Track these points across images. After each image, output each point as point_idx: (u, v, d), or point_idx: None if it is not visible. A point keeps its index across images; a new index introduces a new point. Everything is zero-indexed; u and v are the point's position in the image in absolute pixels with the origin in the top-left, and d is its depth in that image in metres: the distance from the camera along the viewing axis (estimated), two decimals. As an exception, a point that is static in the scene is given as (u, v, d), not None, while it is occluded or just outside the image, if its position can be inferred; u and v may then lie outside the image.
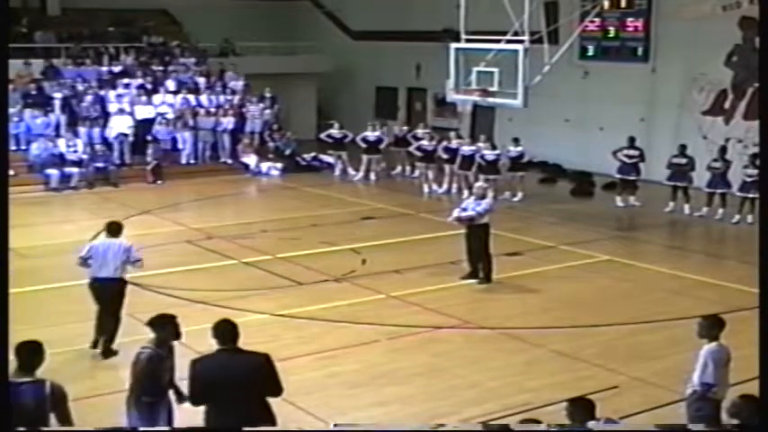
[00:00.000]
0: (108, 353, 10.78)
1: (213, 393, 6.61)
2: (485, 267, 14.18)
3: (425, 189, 22.35)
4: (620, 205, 20.66)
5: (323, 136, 25.12)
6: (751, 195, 18.37)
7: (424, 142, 23.06)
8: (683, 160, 19.75)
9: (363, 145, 24.01)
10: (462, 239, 14.43)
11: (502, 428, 6.91)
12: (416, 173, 23.66)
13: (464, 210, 14.16)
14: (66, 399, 6.38)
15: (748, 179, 18.47)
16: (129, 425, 7.28)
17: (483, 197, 14.45)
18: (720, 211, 19.00)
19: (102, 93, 24.81)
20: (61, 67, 25.80)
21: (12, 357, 6.47)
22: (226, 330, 6.73)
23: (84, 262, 10.78)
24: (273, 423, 6.77)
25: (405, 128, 25.63)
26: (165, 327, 7.30)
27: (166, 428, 7.19)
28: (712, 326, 7.86)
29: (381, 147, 24.17)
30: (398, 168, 24.72)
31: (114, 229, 10.98)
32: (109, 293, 10.71)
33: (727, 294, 13.56)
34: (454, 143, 22.28)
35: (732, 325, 11.95)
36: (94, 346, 10.93)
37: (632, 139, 20.83)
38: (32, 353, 6.39)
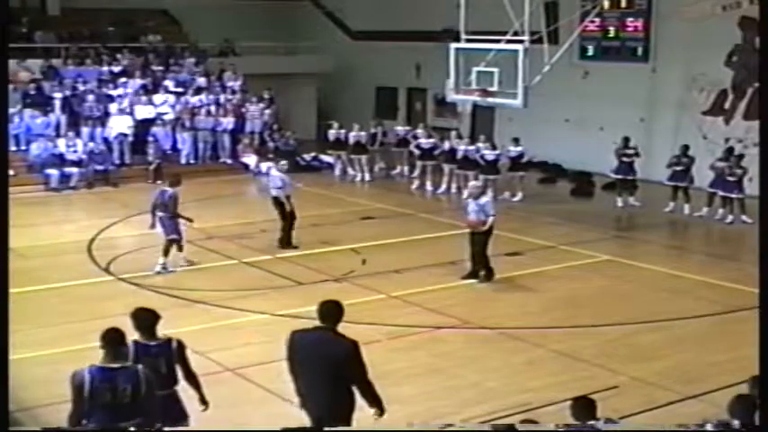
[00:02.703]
0: (283, 243, 16.07)
1: (302, 368, 6.98)
2: (485, 267, 14.17)
3: (427, 188, 22.35)
4: (620, 205, 20.65)
5: (330, 138, 24.96)
6: (734, 195, 18.52)
7: (422, 140, 23.08)
8: (685, 160, 19.75)
9: (350, 145, 24.03)
10: (465, 239, 14.41)
11: (508, 428, 6.88)
12: (416, 172, 23.65)
13: (470, 213, 14.14)
14: (185, 350, 7.25)
15: (731, 179, 18.55)
16: None
17: (478, 197, 14.38)
18: (720, 211, 18.98)
19: (102, 92, 24.82)
20: (61, 68, 25.80)
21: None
22: (329, 310, 7.01)
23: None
24: (352, 407, 7.03)
25: (407, 128, 25.55)
26: None
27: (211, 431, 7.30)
28: None
29: (369, 146, 24.11)
30: (398, 168, 24.73)
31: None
32: (275, 205, 16.26)
33: (727, 294, 13.57)
34: (454, 143, 22.27)
35: (732, 325, 12.10)
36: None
37: (626, 139, 20.79)
38: (144, 319, 7.13)
